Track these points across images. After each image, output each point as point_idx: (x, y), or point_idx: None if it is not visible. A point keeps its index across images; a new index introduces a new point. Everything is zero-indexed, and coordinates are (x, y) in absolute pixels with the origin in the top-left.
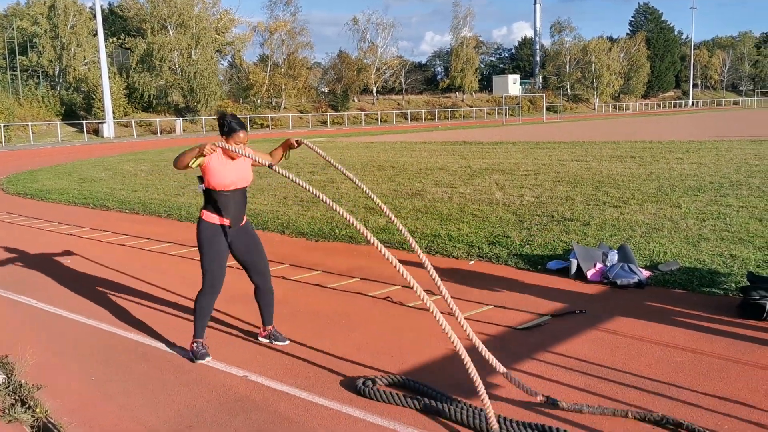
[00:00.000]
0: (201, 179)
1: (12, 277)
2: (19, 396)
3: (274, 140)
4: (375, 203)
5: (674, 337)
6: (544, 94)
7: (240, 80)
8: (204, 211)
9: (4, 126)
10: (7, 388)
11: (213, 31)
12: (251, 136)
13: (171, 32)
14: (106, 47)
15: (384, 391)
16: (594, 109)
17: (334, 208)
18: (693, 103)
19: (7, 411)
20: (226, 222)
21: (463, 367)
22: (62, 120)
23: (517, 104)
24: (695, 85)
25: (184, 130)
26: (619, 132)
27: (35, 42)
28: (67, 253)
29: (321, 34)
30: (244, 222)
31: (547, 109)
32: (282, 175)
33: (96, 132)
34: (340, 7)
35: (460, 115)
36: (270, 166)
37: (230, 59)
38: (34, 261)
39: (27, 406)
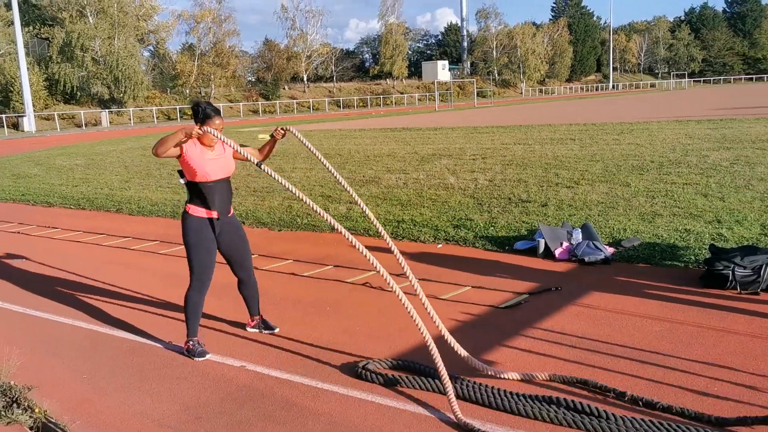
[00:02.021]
0: (181, 173)
1: None
2: (11, 397)
3: None
4: (351, 196)
5: (648, 309)
6: (474, 80)
7: (165, 70)
8: (189, 205)
9: None
10: None
11: (135, 19)
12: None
13: (90, 19)
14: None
15: (386, 374)
16: (521, 93)
17: (328, 219)
18: (613, 86)
19: (3, 413)
20: (214, 214)
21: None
22: None
23: (448, 90)
24: (615, 69)
25: (110, 123)
26: (551, 115)
27: None
28: (19, 252)
29: (245, 23)
30: (231, 213)
31: (477, 94)
32: (270, 176)
33: (15, 126)
34: None
35: (391, 101)
36: (258, 165)
37: (153, 48)
38: None
39: (22, 406)
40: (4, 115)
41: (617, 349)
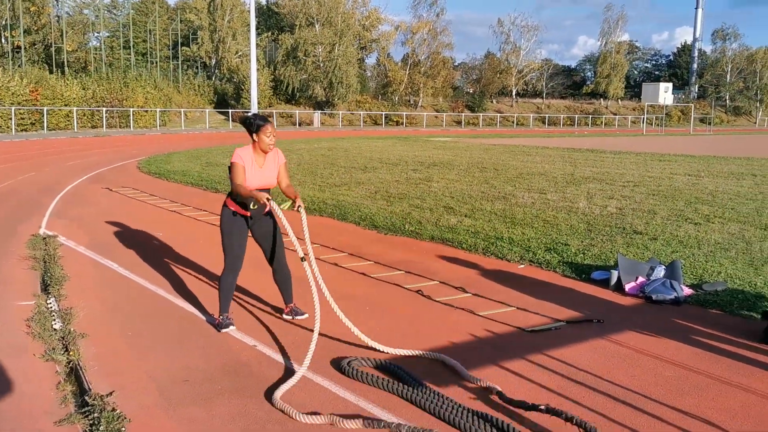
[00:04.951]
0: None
1: (106, 243)
2: (65, 342)
3: (404, 138)
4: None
5: (677, 354)
6: (693, 105)
7: (379, 77)
8: (229, 198)
9: (160, 111)
10: (59, 333)
11: (360, 28)
12: (386, 132)
13: (317, 27)
14: (260, 42)
15: (360, 372)
16: (755, 123)
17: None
18: None
19: (48, 352)
20: (247, 213)
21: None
22: (213, 108)
23: (664, 114)
24: None
25: (321, 123)
26: (766, 148)
27: (197, 34)
28: (161, 228)
29: (472, 35)
30: (265, 212)
31: (701, 120)
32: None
33: None
34: (492, 8)
35: (601, 122)
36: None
37: (377, 56)
38: (132, 232)
39: (67, 350)
40: (231, 110)
41: (605, 386)
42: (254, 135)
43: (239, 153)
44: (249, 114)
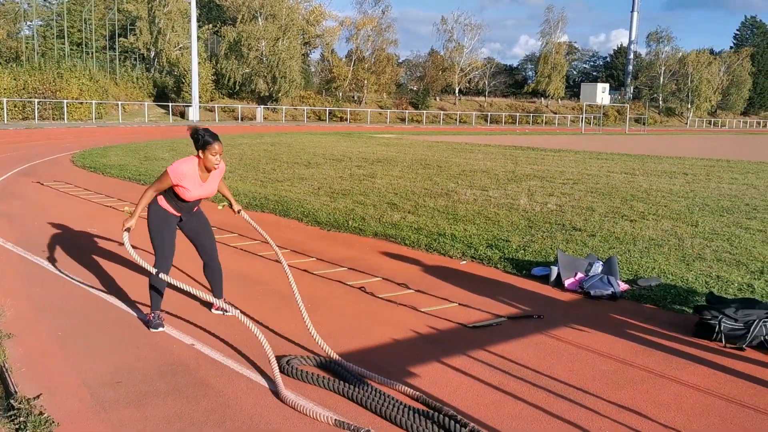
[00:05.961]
0: None
1: (35, 239)
2: None
3: (347, 134)
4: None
5: (613, 348)
6: (628, 105)
7: (325, 73)
8: (161, 197)
9: (96, 103)
10: None
11: (304, 23)
12: (330, 128)
13: (260, 21)
14: (201, 34)
15: (301, 370)
16: (686, 123)
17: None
18: None
19: None
20: (177, 215)
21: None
22: (153, 101)
23: (602, 114)
24: None
25: (265, 118)
26: (696, 148)
27: (135, 25)
28: (95, 224)
29: (416, 32)
30: (194, 210)
31: (636, 120)
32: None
33: (182, 115)
34: (436, 6)
35: (542, 120)
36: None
37: (321, 51)
38: (64, 227)
39: None
40: (172, 104)
41: (544, 381)
42: (200, 151)
43: (181, 169)
44: (199, 128)
